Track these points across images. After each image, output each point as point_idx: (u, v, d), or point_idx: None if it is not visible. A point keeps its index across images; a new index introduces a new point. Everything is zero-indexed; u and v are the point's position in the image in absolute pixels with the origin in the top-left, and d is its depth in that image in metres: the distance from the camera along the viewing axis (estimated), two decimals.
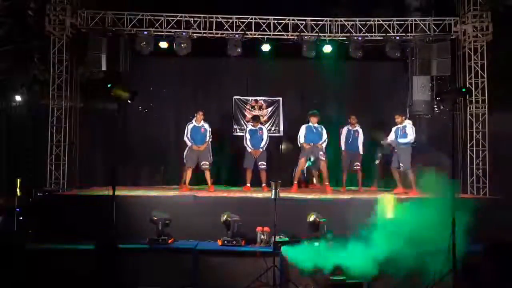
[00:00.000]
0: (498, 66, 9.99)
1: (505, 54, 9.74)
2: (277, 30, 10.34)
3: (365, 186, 9.71)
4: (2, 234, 7.57)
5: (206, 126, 9.19)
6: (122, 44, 10.29)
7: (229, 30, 10.25)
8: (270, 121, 11.36)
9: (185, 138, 9.13)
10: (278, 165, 10.63)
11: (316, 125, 9.13)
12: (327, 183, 8.94)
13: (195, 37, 10.28)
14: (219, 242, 6.47)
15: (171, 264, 6.14)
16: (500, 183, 9.46)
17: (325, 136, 9.13)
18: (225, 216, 6.53)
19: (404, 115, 9.46)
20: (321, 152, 9.00)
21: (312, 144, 9.02)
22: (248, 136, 9.51)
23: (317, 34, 10.29)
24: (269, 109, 11.41)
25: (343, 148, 9.60)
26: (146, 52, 10.20)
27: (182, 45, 10.08)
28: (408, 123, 9.03)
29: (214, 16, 10.28)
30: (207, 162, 9.04)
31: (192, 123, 9.19)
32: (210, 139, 9.21)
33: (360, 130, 9.54)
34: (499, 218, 6.58)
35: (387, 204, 6.50)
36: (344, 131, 9.59)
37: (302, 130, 9.18)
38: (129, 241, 6.21)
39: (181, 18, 10.24)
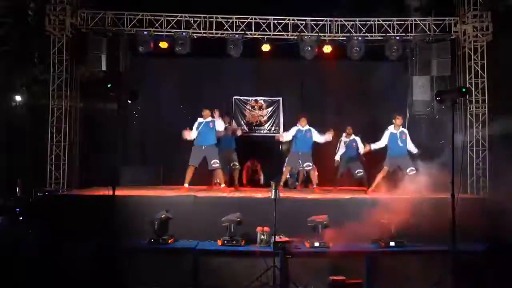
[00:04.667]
0: (498, 66, 9.98)
1: (505, 54, 9.73)
2: (277, 30, 10.34)
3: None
4: (2, 234, 7.56)
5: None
6: (122, 44, 10.30)
7: (229, 30, 10.25)
8: (270, 121, 11.37)
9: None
10: (278, 165, 10.62)
11: (305, 128, 8.91)
12: (316, 186, 8.95)
13: (195, 37, 10.29)
14: (219, 242, 6.46)
15: (171, 264, 6.13)
16: (500, 183, 9.45)
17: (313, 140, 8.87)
18: (226, 223, 6.50)
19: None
20: (307, 163, 8.81)
21: (299, 153, 8.89)
22: None
23: (317, 34, 10.29)
24: (269, 109, 11.42)
25: (337, 158, 9.52)
26: (146, 52, 10.21)
27: (182, 45, 10.09)
28: (405, 130, 8.60)
29: (214, 16, 10.29)
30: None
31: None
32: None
33: (358, 139, 9.33)
34: (499, 218, 6.59)
35: None
36: (342, 143, 9.48)
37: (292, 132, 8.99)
38: (129, 241, 6.20)
39: (181, 18, 10.25)
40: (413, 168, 8.12)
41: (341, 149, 9.54)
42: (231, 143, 9.42)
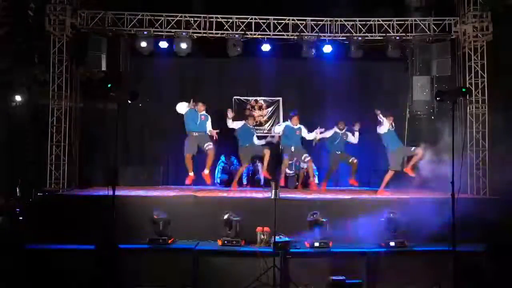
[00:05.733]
0: (498, 66, 9.98)
1: (505, 54, 9.73)
2: (277, 30, 10.34)
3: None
4: (2, 234, 7.56)
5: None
6: (122, 44, 10.30)
7: (229, 30, 10.25)
8: (270, 121, 11.37)
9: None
10: (278, 165, 10.61)
11: (296, 126, 9.08)
12: (314, 181, 9.02)
13: (195, 37, 10.29)
14: (219, 242, 6.46)
15: (171, 264, 6.13)
16: (500, 183, 9.44)
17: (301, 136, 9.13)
18: (227, 215, 6.51)
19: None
20: (305, 155, 8.97)
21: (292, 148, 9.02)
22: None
23: (317, 34, 10.29)
24: (269, 109, 11.42)
25: (317, 135, 9.31)
26: (146, 52, 10.22)
27: (182, 45, 10.09)
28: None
29: (214, 16, 10.28)
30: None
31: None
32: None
33: (349, 134, 9.34)
34: (499, 218, 6.59)
35: None
36: (330, 132, 9.32)
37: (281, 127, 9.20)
38: (129, 241, 6.20)
39: (181, 18, 10.24)
40: None
41: (328, 134, 9.30)
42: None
